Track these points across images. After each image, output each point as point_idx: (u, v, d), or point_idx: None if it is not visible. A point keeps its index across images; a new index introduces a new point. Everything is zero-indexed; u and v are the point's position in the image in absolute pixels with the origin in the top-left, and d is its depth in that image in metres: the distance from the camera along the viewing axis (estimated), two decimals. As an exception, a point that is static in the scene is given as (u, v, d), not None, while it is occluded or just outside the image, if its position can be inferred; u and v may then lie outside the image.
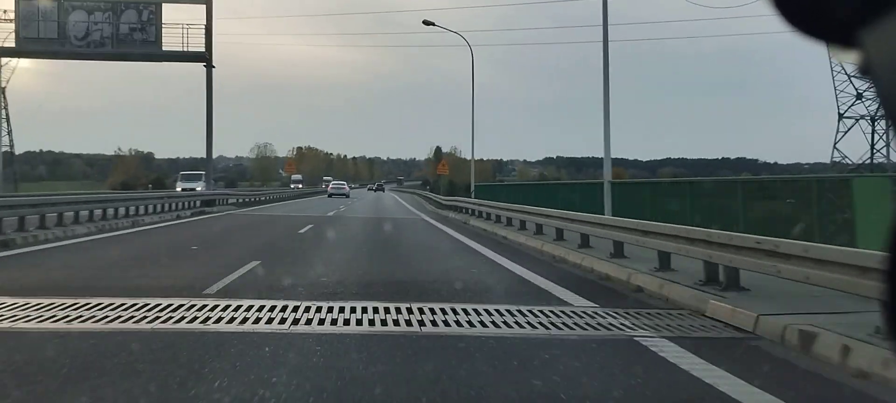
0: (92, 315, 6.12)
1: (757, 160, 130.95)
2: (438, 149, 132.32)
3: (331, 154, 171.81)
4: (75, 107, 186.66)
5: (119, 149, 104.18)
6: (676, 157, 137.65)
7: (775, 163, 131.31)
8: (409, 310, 6.46)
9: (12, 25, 31.68)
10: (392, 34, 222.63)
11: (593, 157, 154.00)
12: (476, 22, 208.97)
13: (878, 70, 0.73)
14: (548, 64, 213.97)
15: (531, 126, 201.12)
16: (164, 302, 6.68)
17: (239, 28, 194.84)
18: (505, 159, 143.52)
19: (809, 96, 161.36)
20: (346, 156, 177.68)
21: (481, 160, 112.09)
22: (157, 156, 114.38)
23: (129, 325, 5.78)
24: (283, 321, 5.98)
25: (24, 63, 51.01)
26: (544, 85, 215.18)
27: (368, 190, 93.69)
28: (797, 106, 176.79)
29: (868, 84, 0.82)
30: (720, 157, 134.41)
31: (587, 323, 6.19)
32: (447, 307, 6.66)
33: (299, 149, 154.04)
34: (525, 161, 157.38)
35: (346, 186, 67.16)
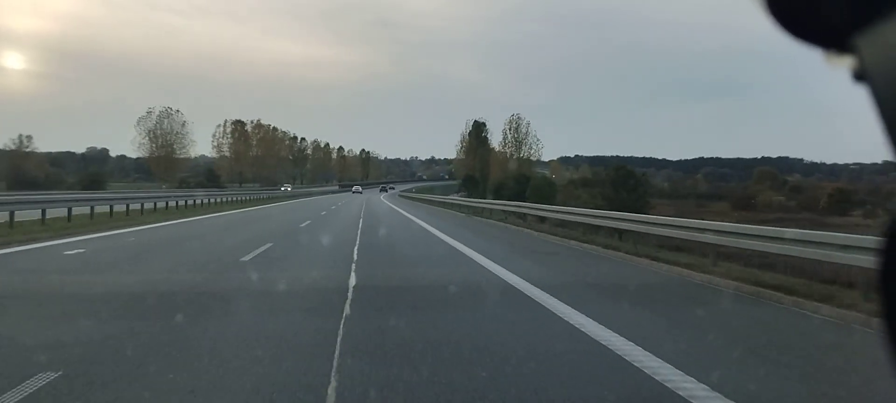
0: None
1: (802, 159, 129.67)
2: (478, 127, 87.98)
3: (302, 140, 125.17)
4: None
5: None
6: (710, 157, 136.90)
7: (822, 163, 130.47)
8: None
9: None
10: (388, 32, 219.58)
11: (617, 156, 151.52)
12: (479, 20, 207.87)
13: (873, 76, 0.72)
14: (549, 63, 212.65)
15: (536, 126, 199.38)
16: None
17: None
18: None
19: (844, 96, 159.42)
20: (328, 144, 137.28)
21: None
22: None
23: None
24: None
25: None
26: (545, 84, 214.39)
27: (381, 191, 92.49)
28: (832, 106, 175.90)
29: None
30: (760, 156, 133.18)
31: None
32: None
33: (255, 123, 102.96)
34: (539, 159, 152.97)
35: (360, 188, 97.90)
